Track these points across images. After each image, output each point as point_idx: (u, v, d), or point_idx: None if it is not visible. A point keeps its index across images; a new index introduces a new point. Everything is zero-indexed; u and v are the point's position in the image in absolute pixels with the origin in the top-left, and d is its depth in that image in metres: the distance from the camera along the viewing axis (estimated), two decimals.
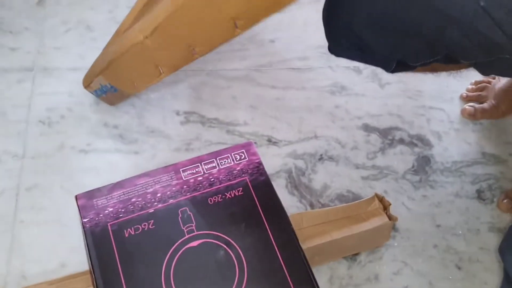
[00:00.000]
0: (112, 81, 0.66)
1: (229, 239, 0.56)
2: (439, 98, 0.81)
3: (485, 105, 0.77)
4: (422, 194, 0.71)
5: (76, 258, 0.62)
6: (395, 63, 0.50)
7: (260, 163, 0.62)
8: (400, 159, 0.74)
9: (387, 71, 0.52)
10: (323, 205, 0.70)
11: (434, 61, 0.48)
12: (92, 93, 0.75)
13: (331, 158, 0.74)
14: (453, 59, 0.46)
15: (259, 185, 0.61)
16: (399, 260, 0.65)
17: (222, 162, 0.62)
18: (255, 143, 0.74)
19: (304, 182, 0.72)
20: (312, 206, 0.69)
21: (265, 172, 0.62)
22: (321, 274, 0.63)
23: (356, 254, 0.65)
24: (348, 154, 0.75)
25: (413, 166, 0.74)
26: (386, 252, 0.66)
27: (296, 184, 0.71)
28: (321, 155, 0.74)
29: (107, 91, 0.70)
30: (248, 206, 0.59)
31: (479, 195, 0.71)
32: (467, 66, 0.58)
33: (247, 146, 0.64)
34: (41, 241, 0.64)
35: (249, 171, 0.62)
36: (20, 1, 0.87)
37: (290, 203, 0.69)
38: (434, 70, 0.64)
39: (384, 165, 0.74)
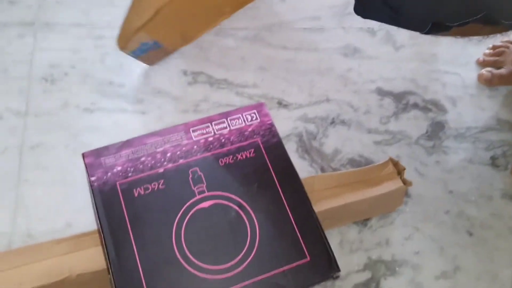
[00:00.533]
0: (157, 36, 0.60)
1: (241, 201, 0.55)
2: (455, 62, 0.78)
3: (502, 70, 0.75)
4: (435, 159, 0.70)
5: (82, 218, 0.61)
6: (430, 24, 0.48)
7: (272, 125, 0.61)
8: (414, 124, 0.73)
9: (421, 33, 0.50)
10: (334, 170, 0.68)
11: (472, 21, 0.45)
12: (129, 54, 0.69)
13: (343, 122, 0.72)
14: (492, 20, 0.44)
15: (271, 147, 0.59)
16: (411, 225, 0.64)
17: (233, 123, 0.60)
18: None
19: (315, 146, 0.70)
20: (323, 170, 0.68)
21: (277, 134, 0.60)
22: (331, 238, 0.62)
23: (367, 219, 0.64)
24: (361, 118, 0.73)
25: (426, 132, 0.72)
26: (398, 217, 0.65)
27: (307, 148, 0.70)
28: (333, 118, 0.72)
29: (149, 49, 0.64)
30: (260, 167, 0.58)
31: (493, 162, 0.70)
32: (504, 30, 0.55)
33: (258, 107, 0.62)
34: (46, 200, 0.62)
35: (261, 133, 0.60)
36: None
37: (300, 167, 0.68)
38: (467, 34, 0.61)
39: (397, 130, 0.72)
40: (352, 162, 0.69)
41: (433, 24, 0.47)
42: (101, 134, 0.68)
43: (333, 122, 0.72)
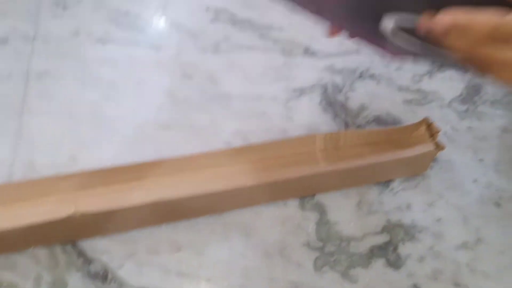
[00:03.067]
0: None
1: None
2: None
3: None
4: (467, 125, 0.65)
5: (87, 152, 0.57)
6: None
7: None
8: (448, 85, 0.67)
9: None
10: (359, 126, 0.64)
11: None
12: None
13: (372, 77, 0.67)
14: None
15: None
16: (435, 192, 0.61)
17: None
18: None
19: (340, 100, 0.65)
20: (346, 125, 0.64)
21: None
22: (349, 198, 0.59)
23: (389, 181, 0.61)
24: (392, 74, 0.67)
25: (461, 94, 0.67)
26: (422, 182, 0.61)
27: (331, 102, 0.65)
28: (361, 72, 0.67)
29: None
30: None
31: None
32: None
33: None
34: (50, 131, 0.58)
35: None
36: None
37: (323, 120, 0.63)
38: None
39: (430, 90, 0.67)
40: (379, 120, 0.64)
41: None
42: (114, 67, 0.63)
43: (361, 76, 0.67)
